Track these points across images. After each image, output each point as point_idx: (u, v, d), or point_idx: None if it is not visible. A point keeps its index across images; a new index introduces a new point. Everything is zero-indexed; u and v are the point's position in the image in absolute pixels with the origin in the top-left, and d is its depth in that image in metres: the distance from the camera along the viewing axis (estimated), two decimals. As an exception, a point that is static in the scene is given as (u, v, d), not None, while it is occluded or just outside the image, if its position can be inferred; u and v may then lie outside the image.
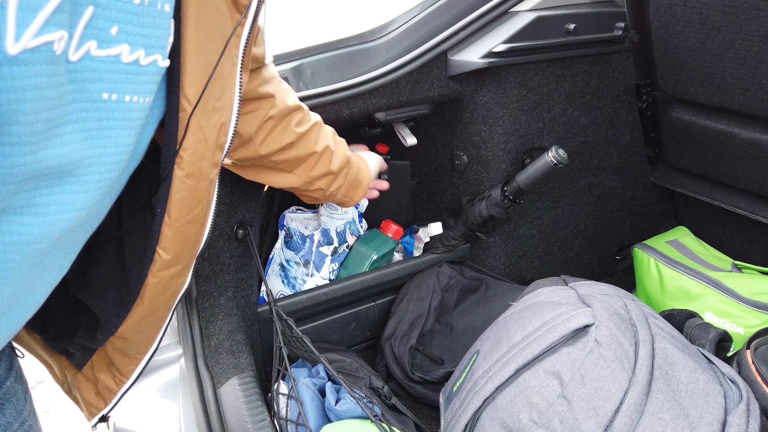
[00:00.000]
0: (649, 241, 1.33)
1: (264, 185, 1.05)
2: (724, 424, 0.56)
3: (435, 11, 1.11)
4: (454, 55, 1.11)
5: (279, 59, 1.04)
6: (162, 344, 0.95)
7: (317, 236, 1.22)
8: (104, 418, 0.72)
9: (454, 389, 0.82)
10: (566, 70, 1.21)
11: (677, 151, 1.33)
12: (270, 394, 0.89)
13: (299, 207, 1.26)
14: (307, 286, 1.19)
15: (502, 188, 1.18)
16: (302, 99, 1.00)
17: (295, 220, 1.23)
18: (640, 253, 1.30)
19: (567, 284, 0.88)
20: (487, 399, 0.68)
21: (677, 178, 1.37)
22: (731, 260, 1.23)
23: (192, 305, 0.95)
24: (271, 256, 1.23)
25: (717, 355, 0.80)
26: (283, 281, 1.22)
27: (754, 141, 1.13)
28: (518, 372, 0.67)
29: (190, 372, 0.89)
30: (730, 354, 0.83)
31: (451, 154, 1.27)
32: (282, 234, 1.23)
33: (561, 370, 0.63)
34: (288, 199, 1.26)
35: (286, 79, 1.02)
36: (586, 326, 0.67)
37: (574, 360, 0.63)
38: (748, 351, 0.77)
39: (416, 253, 1.32)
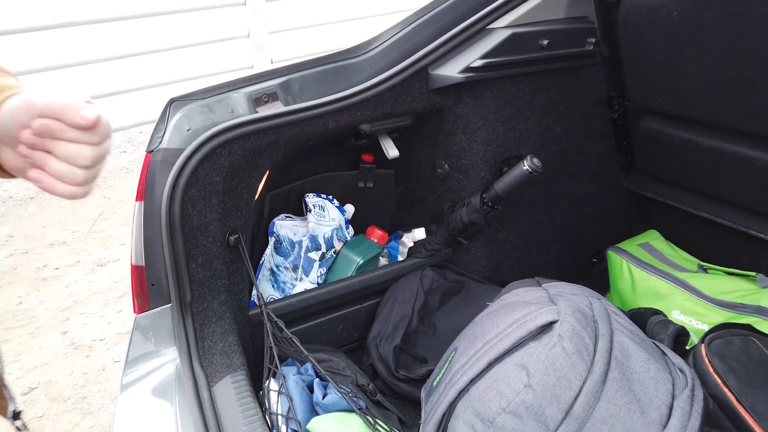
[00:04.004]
0: (623, 244, 1.40)
1: (255, 193, 1.10)
2: (671, 408, 0.62)
3: (416, 28, 1.17)
4: (434, 69, 1.18)
5: (268, 75, 1.10)
6: (157, 347, 1.01)
7: (306, 242, 1.27)
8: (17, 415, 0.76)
9: (434, 384, 0.88)
10: (541, 83, 1.27)
11: (648, 159, 1.40)
12: (261, 392, 0.94)
13: (288, 215, 1.32)
14: (296, 290, 1.25)
15: (481, 195, 1.25)
16: (290, 113, 1.06)
17: (284, 227, 1.29)
18: (613, 256, 1.37)
19: (540, 285, 0.95)
20: (461, 391, 0.74)
21: (649, 184, 1.44)
22: (698, 261, 1.30)
23: (186, 309, 1.00)
24: (261, 261, 1.28)
25: (675, 348, 0.86)
26: (273, 286, 1.28)
27: (716, 149, 1.20)
28: (490, 365, 0.73)
29: (185, 372, 0.94)
30: (688, 348, 0.89)
31: (433, 163, 1.33)
32: (272, 241, 1.29)
33: (528, 362, 0.69)
34: (278, 207, 1.31)
35: (274, 94, 1.08)
36: (552, 322, 0.73)
37: (540, 353, 0.69)
38: (703, 345, 0.84)
39: (401, 258, 1.38)
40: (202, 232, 1.01)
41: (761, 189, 1.16)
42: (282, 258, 1.27)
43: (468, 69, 1.15)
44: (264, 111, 1.06)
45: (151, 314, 1.00)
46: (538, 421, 0.64)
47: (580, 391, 0.64)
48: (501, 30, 1.18)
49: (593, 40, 1.26)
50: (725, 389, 0.78)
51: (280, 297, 1.24)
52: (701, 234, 1.37)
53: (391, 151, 1.25)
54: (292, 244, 1.27)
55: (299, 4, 4.35)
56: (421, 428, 0.79)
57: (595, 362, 0.66)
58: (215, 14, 3.83)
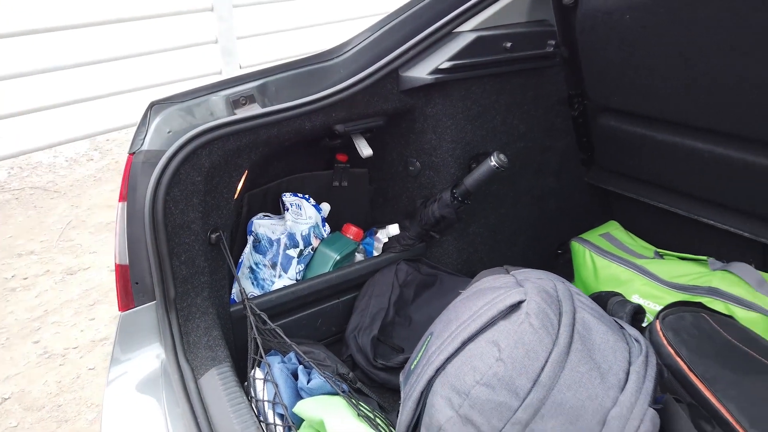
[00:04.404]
0: (585, 235, 1.48)
1: (235, 193, 1.14)
2: (628, 373, 0.69)
3: (386, 32, 1.22)
4: (404, 72, 1.23)
5: (245, 78, 1.14)
6: (143, 343, 1.03)
7: (284, 240, 1.31)
8: None
9: (412, 367, 0.93)
10: (505, 84, 1.34)
11: (607, 154, 1.49)
12: (246, 382, 0.98)
13: (266, 213, 1.36)
14: (275, 287, 1.29)
15: (451, 191, 1.31)
16: (267, 114, 1.10)
17: (262, 225, 1.32)
18: (576, 246, 1.45)
19: (508, 273, 1.01)
20: (438, 369, 0.79)
21: (609, 178, 1.53)
22: (654, 249, 1.39)
23: (171, 305, 1.03)
24: (240, 260, 1.32)
25: (633, 325, 0.93)
26: (252, 283, 1.31)
27: (669, 143, 1.28)
28: (464, 344, 0.78)
29: (171, 365, 0.97)
30: (645, 325, 0.97)
31: (405, 161, 1.39)
32: (251, 239, 1.32)
33: (499, 339, 0.75)
34: (256, 206, 1.35)
35: (251, 96, 1.12)
36: (520, 302, 0.79)
37: (509, 330, 0.75)
38: (658, 320, 0.91)
39: (376, 253, 1.43)
40: (185, 231, 1.04)
41: (710, 179, 1.25)
42: (261, 256, 1.31)
43: (437, 71, 1.21)
44: (242, 113, 1.10)
45: (135, 312, 1.03)
46: (509, 390, 0.69)
47: (546, 361, 0.70)
48: (467, 33, 1.24)
49: (553, 43, 1.33)
50: (678, 359, 0.85)
51: (259, 294, 1.28)
52: (657, 223, 1.46)
53: (365, 150, 1.30)
54: (271, 242, 1.31)
55: (266, 11, 4.37)
56: (401, 407, 0.84)
57: (560, 336, 0.72)
58: (183, 20, 3.82)
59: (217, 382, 0.94)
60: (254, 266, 1.32)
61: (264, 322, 0.99)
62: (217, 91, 1.10)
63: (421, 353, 0.91)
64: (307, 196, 1.38)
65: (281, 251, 1.31)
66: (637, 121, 1.35)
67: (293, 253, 1.31)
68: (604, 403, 0.67)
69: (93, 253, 2.78)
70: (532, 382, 0.69)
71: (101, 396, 1.85)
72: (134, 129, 1.07)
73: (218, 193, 1.10)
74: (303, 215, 1.35)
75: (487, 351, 0.74)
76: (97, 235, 2.89)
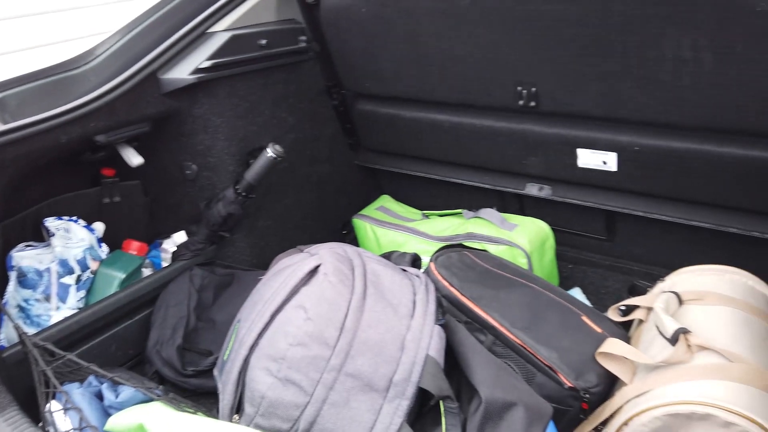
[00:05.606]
0: (363, 211, 1.63)
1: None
2: (414, 302, 0.81)
3: (137, 36, 1.19)
4: (163, 74, 1.22)
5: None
6: None
7: (55, 268, 1.19)
8: None
9: (225, 358, 0.94)
10: (268, 79, 1.41)
11: (368, 136, 1.65)
12: (40, 423, 0.88)
13: (28, 243, 1.21)
14: (54, 320, 1.16)
15: (234, 187, 1.33)
16: (11, 131, 0.99)
17: (26, 257, 1.18)
18: (357, 222, 1.59)
19: (302, 251, 1.08)
20: (252, 346, 0.82)
21: (373, 157, 1.70)
22: (421, 212, 1.60)
23: None
24: (4, 300, 1.16)
25: (414, 271, 1.08)
26: (25, 322, 1.17)
27: (415, 118, 1.48)
28: (273, 316, 0.83)
29: None
30: (423, 270, 1.12)
31: (180, 166, 1.37)
32: (13, 275, 1.17)
33: (304, 302, 0.81)
34: (13, 237, 1.20)
35: None
36: (317, 267, 0.86)
37: (312, 292, 0.82)
38: (432, 262, 1.07)
39: (165, 264, 1.38)
40: None
41: (452, 145, 1.47)
42: (30, 290, 1.17)
43: (197, 70, 1.22)
44: (-22, 132, 0.97)
45: None
46: (320, 342, 0.76)
47: (348, 309, 0.78)
48: (222, 33, 1.27)
49: (304, 38, 1.44)
50: (451, 288, 1.01)
51: (36, 332, 1.14)
52: (420, 189, 1.68)
53: (134, 159, 1.25)
54: (40, 273, 1.18)
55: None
56: (220, 395, 0.85)
57: (355, 286, 0.81)
58: None
59: (6, 429, 0.83)
60: (24, 303, 1.17)
61: (52, 354, 0.90)
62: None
63: (232, 341, 0.93)
64: (75, 218, 1.27)
65: (54, 281, 1.19)
66: (387, 102, 1.52)
67: (70, 280, 1.20)
68: (400, 332, 0.78)
69: None
70: (339, 330, 0.77)
71: None
72: None
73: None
74: (73, 239, 1.24)
75: (295, 315, 0.80)
76: None
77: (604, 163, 1.24)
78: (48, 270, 1.19)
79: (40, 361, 0.88)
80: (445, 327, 0.84)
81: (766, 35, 0.93)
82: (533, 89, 1.22)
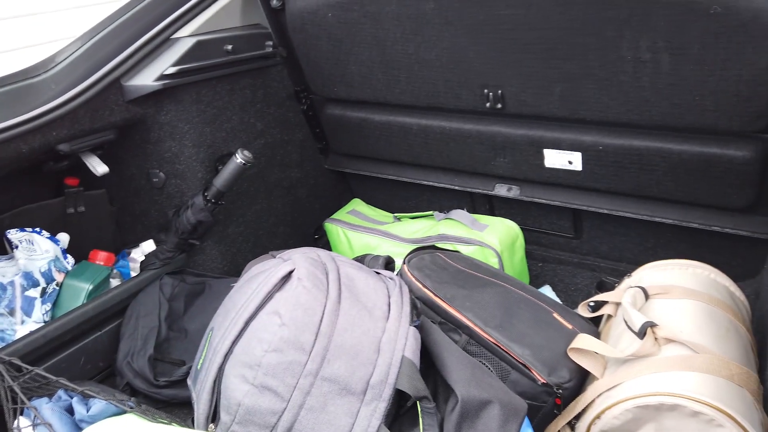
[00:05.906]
0: (335, 215, 1.63)
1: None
2: (389, 305, 0.81)
3: (99, 42, 1.17)
4: (127, 81, 1.20)
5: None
6: None
7: (19, 281, 1.16)
8: None
9: (198, 367, 0.93)
10: (235, 84, 1.39)
11: (338, 140, 1.65)
12: (8, 441, 0.85)
13: (-11, 257, 1.18)
14: (19, 335, 1.13)
15: (203, 194, 1.31)
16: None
17: (-13, 271, 1.15)
18: (330, 226, 1.59)
19: (274, 257, 1.07)
20: (226, 354, 0.81)
21: (344, 161, 1.70)
22: (393, 215, 1.61)
23: None
24: (-35, 317, 1.12)
25: (387, 274, 1.08)
26: (-12, 338, 1.13)
27: (384, 122, 1.49)
28: (247, 323, 0.82)
29: None
30: (396, 273, 1.13)
31: (147, 174, 1.34)
32: (-26, 290, 1.14)
33: (279, 308, 0.81)
34: (-27, 251, 1.16)
35: None
36: (290, 272, 0.85)
37: (287, 298, 0.81)
38: (405, 264, 1.08)
39: (134, 274, 1.36)
40: None
41: (421, 148, 1.49)
42: (-7, 305, 1.14)
43: (162, 77, 1.20)
44: (-66, 142, 0.94)
45: None
46: (296, 348, 0.76)
47: (323, 314, 0.78)
48: (186, 38, 1.26)
49: (270, 43, 1.43)
50: (425, 289, 1.02)
51: (1, 347, 1.11)
52: (390, 192, 1.68)
53: (99, 168, 1.23)
54: (3, 286, 1.15)
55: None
56: (195, 405, 0.84)
57: (330, 290, 0.81)
58: None
59: (-31, 451, 0.81)
60: (-14, 319, 1.14)
61: (19, 369, 0.88)
62: None
63: (205, 350, 0.92)
64: (38, 229, 1.24)
65: (19, 294, 1.16)
66: (356, 107, 1.53)
67: (34, 293, 1.17)
68: (375, 334, 0.78)
69: None
70: (315, 334, 0.76)
71: None
72: None
73: None
74: (38, 250, 1.21)
75: (269, 321, 0.79)
76: None
77: (570, 162, 1.27)
78: (12, 283, 1.15)
79: (6, 377, 0.85)
80: (420, 328, 0.85)
81: (720, 37, 0.97)
82: (499, 92, 1.25)
